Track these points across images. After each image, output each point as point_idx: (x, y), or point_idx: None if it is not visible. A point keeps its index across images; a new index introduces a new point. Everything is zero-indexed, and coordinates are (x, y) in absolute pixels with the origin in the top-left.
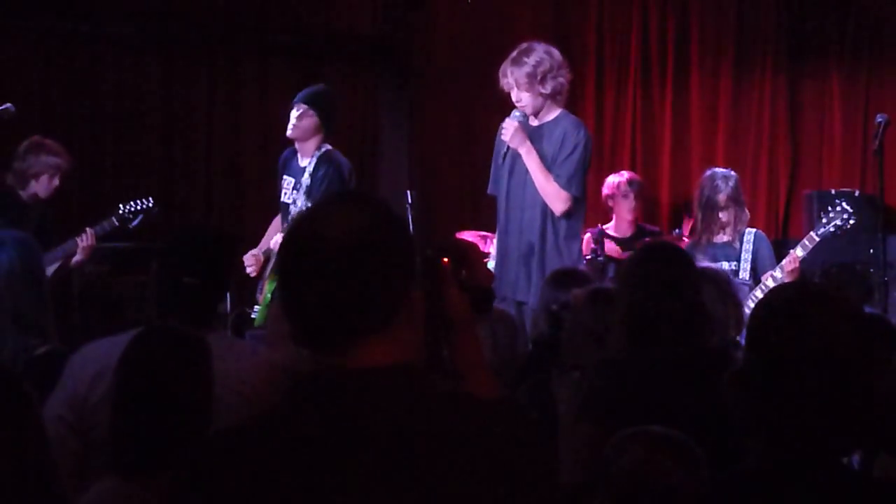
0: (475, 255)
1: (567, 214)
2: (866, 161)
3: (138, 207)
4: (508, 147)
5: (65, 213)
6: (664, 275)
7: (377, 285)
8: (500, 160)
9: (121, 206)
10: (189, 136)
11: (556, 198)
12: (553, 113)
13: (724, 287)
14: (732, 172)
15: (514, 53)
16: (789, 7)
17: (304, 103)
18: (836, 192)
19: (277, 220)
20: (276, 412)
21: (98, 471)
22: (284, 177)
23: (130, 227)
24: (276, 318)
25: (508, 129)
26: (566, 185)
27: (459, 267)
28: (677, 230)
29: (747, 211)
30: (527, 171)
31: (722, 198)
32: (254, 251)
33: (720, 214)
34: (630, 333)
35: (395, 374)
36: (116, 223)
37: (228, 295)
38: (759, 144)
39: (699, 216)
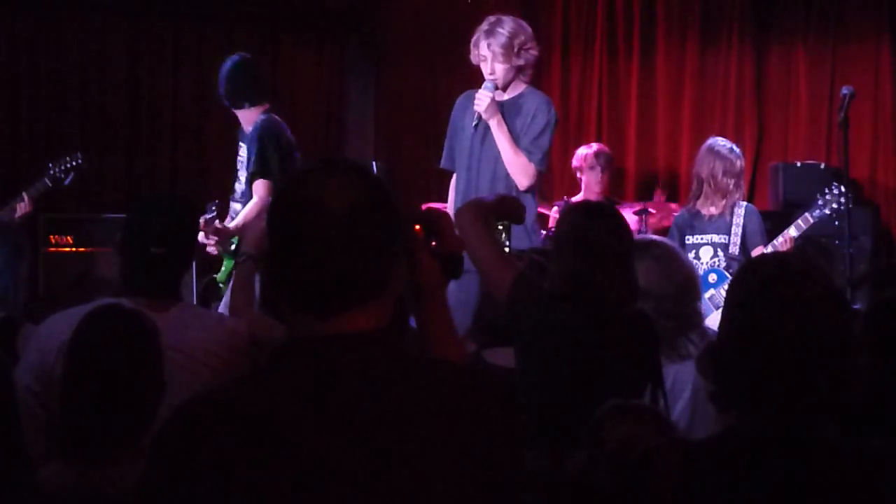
0: (446, 223)
1: (530, 190)
2: (831, 133)
3: (69, 165)
4: (480, 117)
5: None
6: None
7: (375, 255)
8: (472, 130)
9: (50, 164)
10: (154, 105)
11: (524, 172)
12: (520, 87)
13: (667, 258)
14: (734, 145)
15: (486, 25)
16: None
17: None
18: (801, 164)
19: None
20: (256, 377)
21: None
22: (241, 143)
23: (64, 184)
24: (241, 287)
25: (483, 100)
26: (538, 161)
27: (430, 234)
28: (643, 203)
29: (742, 185)
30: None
31: (736, 169)
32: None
33: (731, 186)
34: (562, 292)
35: (379, 339)
36: (49, 183)
37: (194, 265)
38: (725, 116)
39: (704, 187)
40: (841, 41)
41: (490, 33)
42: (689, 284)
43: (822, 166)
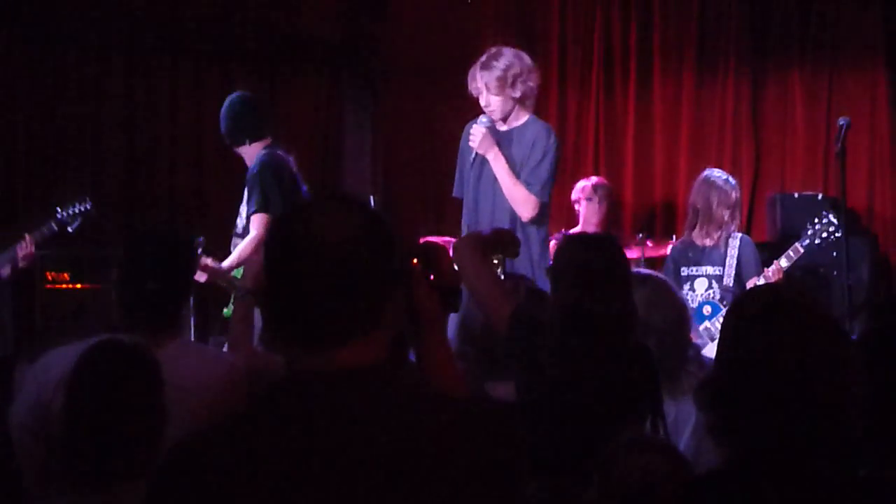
0: (443, 256)
1: (535, 221)
2: (828, 163)
3: (77, 210)
4: (476, 153)
5: (23, 220)
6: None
7: (373, 289)
8: (469, 165)
9: (58, 209)
10: (152, 140)
11: (525, 203)
12: (522, 118)
13: (662, 293)
14: (731, 176)
15: (484, 58)
16: (751, 9)
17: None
18: (799, 194)
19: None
20: (254, 412)
21: (60, 478)
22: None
23: (70, 230)
24: (240, 321)
25: (476, 135)
26: (538, 192)
27: (428, 268)
28: (640, 234)
29: (738, 217)
30: (495, 178)
31: (731, 200)
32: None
33: (726, 217)
34: (562, 323)
35: (377, 374)
36: (55, 228)
37: (192, 299)
38: (722, 147)
39: (703, 219)
40: (837, 71)
41: (485, 66)
42: (682, 318)
43: (820, 196)
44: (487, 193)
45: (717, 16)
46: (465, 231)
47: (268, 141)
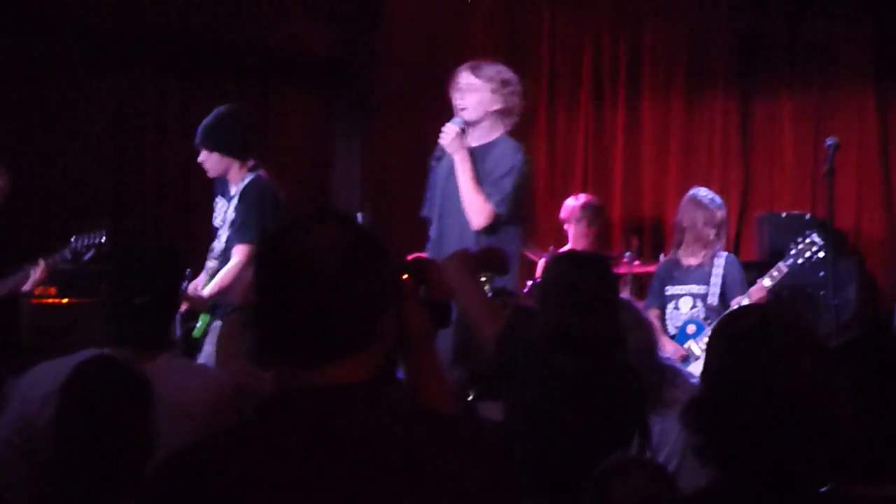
0: (434, 271)
1: (489, 232)
2: (817, 184)
3: (92, 241)
4: (444, 151)
5: (13, 231)
6: (582, 287)
7: (363, 306)
8: (435, 163)
9: (73, 238)
10: (141, 155)
11: (480, 210)
12: (495, 135)
13: (633, 315)
14: (716, 195)
15: (467, 64)
16: (740, 29)
17: (200, 144)
18: (787, 215)
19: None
20: (243, 429)
21: (44, 496)
22: (219, 196)
23: (84, 260)
24: (228, 338)
25: (448, 133)
26: (497, 202)
27: (418, 283)
28: (628, 253)
29: (723, 236)
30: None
31: (717, 219)
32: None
33: (711, 236)
34: (549, 342)
35: (367, 391)
36: (69, 256)
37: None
38: (711, 166)
39: (689, 238)
40: (825, 92)
41: (474, 67)
42: (653, 339)
43: (808, 217)
44: (454, 198)
45: (706, 36)
46: (430, 241)
47: (252, 162)
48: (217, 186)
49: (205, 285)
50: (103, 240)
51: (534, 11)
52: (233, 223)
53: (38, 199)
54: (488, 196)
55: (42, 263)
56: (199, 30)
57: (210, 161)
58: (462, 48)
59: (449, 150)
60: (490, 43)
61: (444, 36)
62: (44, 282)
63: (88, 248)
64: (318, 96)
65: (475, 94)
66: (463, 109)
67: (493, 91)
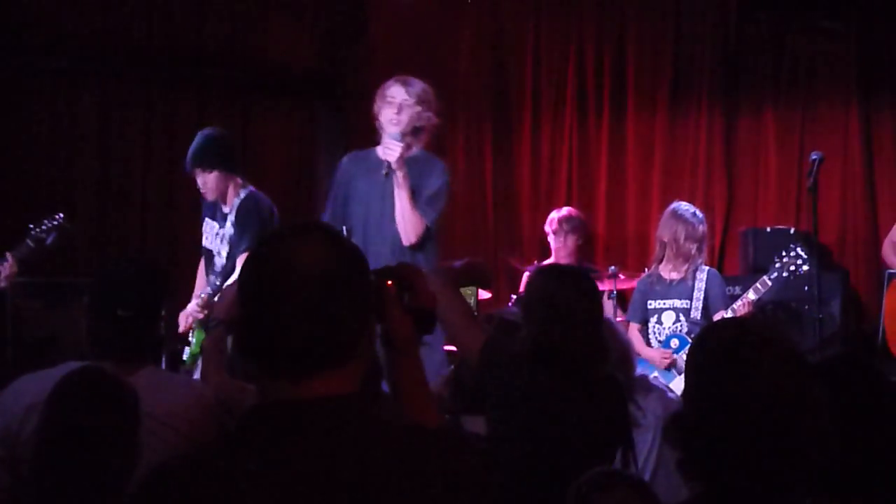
0: (418, 278)
1: (420, 247)
2: (801, 198)
3: (50, 225)
4: (390, 167)
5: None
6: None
7: (346, 319)
8: (382, 179)
9: (31, 225)
10: (125, 170)
11: (416, 228)
12: (413, 150)
13: (609, 329)
14: (698, 210)
15: (397, 77)
16: (725, 44)
17: (196, 168)
18: (771, 229)
19: (202, 265)
20: (225, 442)
21: None
22: (207, 220)
23: (47, 244)
24: (211, 350)
25: (395, 149)
26: (432, 220)
27: (402, 290)
28: (613, 267)
29: (705, 250)
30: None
31: (699, 234)
32: (186, 310)
33: (693, 250)
34: (532, 356)
35: (351, 404)
36: (32, 245)
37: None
38: (695, 181)
39: (670, 252)
40: (810, 106)
41: (404, 82)
42: (628, 353)
43: (792, 231)
44: (386, 213)
45: (690, 51)
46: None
47: (239, 179)
48: (205, 210)
49: (209, 300)
50: (61, 219)
51: (518, 25)
52: (232, 237)
53: (22, 212)
54: (423, 213)
55: (10, 257)
56: (182, 43)
57: (210, 181)
58: (446, 61)
59: (395, 165)
60: (474, 57)
61: (428, 47)
62: (16, 274)
63: (48, 231)
64: (301, 107)
65: (409, 109)
66: (396, 124)
67: (422, 108)
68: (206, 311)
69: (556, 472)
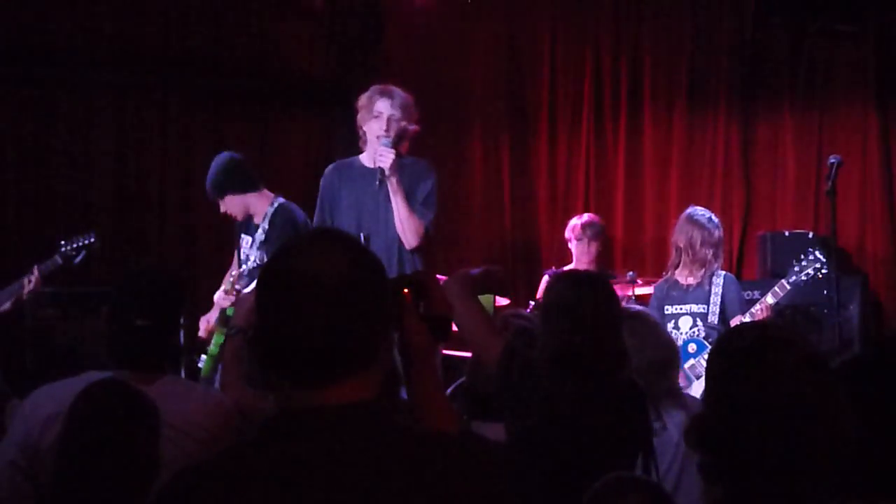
0: (433, 285)
1: (421, 249)
2: (819, 202)
3: (81, 244)
4: (383, 174)
5: (13, 258)
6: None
7: (364, 326)
8: (376, 188)
9: (62, 242)
10: (142, 179)
11: (416, 232)
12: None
13: (651, 327)
14: (713, 214)
15: (378, 88)
16: (741, 49)
17: (216, 195)
18: (789, 233)
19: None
20: (245, 450)
21: None
22: (242, 235)
23: (75, 262)
24: (231, 360)
25: (388, 156)
26: (430, 223)
27: (418, 297)
28: (631, 273)
29: (721, 255)
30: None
31: (715, 239)
32: (207, 316)
33: (709, 255)
34: (552, 362)
35: (370, 411)
36: (60, 261)
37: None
38: (713, 186)
39: (686, 257)
40: (828, 109)
41: (388, 94)
42: (670, 356)
43: (810, 235)
44: (389, 220)
45: (707, 56)
46: None
47: (264, 190)
48: (238, 227)
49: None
50: (92, 240)
51: (534, 32)
52: (262, 244)
53: (41, 221)
54: (421, 216)
55: (36, 271)
56: (199, 53)
57: (231, 206)
58: (462, 69)
59: (389, 172)
60: (491, 64)
61: (445, 57)
62: (41, 289)
63: (78, 250)
64: (319, 117)
65: (395, 123)
66: (387, 134)
67: (407, 120)
68: (231, 298)
69: (574, 479)
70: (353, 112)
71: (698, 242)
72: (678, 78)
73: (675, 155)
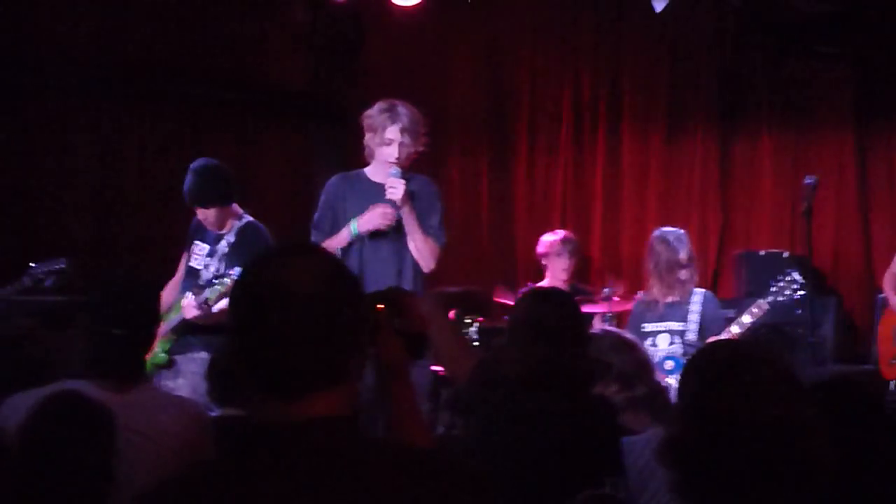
0: (409, 302)
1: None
2: (795, 222)
3: (50, 269)
4: (395, 205)
5: None
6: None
7: (339, 339)
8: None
9: (33, 265)
10: (118, 188)
11: (433, 255)
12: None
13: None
14: (682, 232)
15: (385, 111)
16: (720, 68)
17: (195, 205)
18: (765, 253)
19: (172, 284)
20: (220, 463)
21: None
22: (197, 242)
23: (45, 285)
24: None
25: (399, 188)
26: (443, 244)
27: (394, 313)
28: (607, 289)
29: (695, 271)
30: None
31: (682, 258)
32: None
33: (679, 274)
34: (519, 379)
35: (344, 424)
36: (29, 283)
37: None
38: (690, 204)
39: (656, 277)
40: (805, 130)
41: (395, 118)
42: (645, 363)
43: (786, 254)
44: (403, 249)
45: (687, 75)
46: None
47: (232, 206)
48: (193, 232)
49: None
50: (63, 266)
51: (515, 50)
52: (225, 256)
53: (20, 229)
54: (436, 238)
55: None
56: (177, 61)
57: (211, 216)
58: (442, 81)
59: (401, 203)
60: (471, 77)
61: (424, 70)
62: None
63: (48, 274)
64: (298, 129)
65: (406, 147)
66: (397, 160)
67: (416, 142)
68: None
69: (542, 497)
70: (331, 122)
71: (670, 260)
72: (657, 97)
73: (653, 173)
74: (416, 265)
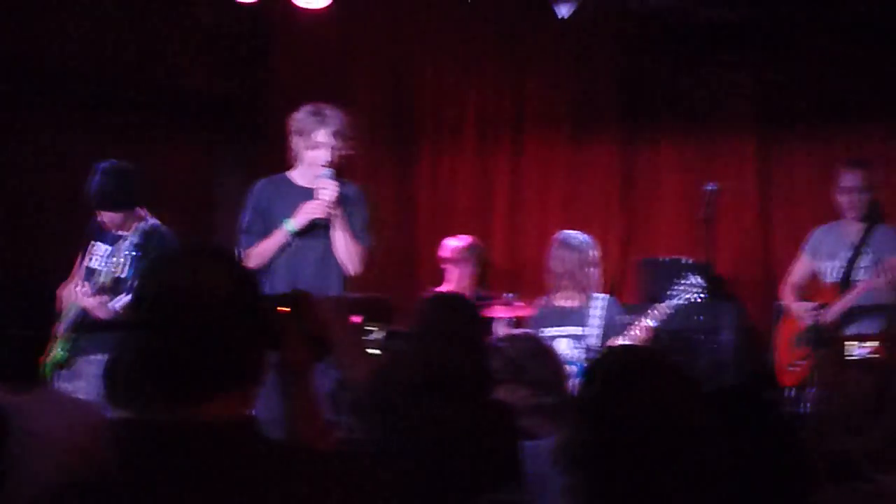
0: (311, 304)
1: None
2: (697, 229)
3: None
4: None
5: None
6: (447, 327)
7: (240, 342)
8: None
9: None
10: (17, 189)
11: (360, 258)
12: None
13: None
14: (586, 236)
15: (313, 114)
16: (623, 76)
17: (99, 208)
18: (667, 259)
19: (69, 284)
20: (114, 467)
21: None
22: (95, 242)
23: None
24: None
25: (331, 189)
26: (370, 244)
27: (296, 316)
28: (509, 294)
29: (598, 275)
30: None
31: (578, 261)
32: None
33: (577, 278)
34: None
35: (243, 428)
36: None
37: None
38: (593, 210)
39: (567, 279)
40: (707, 137)
41: (324, 121)
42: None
43: (687, 261)
44: (317, 252)
45: (590, 82)
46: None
47: (137, 210)
48: (94, 231)
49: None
50: None
51: (418, 51)
52: (130, 260)
53: None
54: (363, 241)
55: None
56: (78, 62)
57: (116, 219)
58: (347, 84)
59: (331, 204)
60: (374, 82)
61: (331, 73)
62: None
63: None
64: (204, 132)
65: (335, 151)
66: (328, 164)
67: (345, 146)
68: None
69: (442, 499)
70: (234, 125)
71: (573, 265)
72: (560, 104)
73: (556, 179)
74: (341, 268)
